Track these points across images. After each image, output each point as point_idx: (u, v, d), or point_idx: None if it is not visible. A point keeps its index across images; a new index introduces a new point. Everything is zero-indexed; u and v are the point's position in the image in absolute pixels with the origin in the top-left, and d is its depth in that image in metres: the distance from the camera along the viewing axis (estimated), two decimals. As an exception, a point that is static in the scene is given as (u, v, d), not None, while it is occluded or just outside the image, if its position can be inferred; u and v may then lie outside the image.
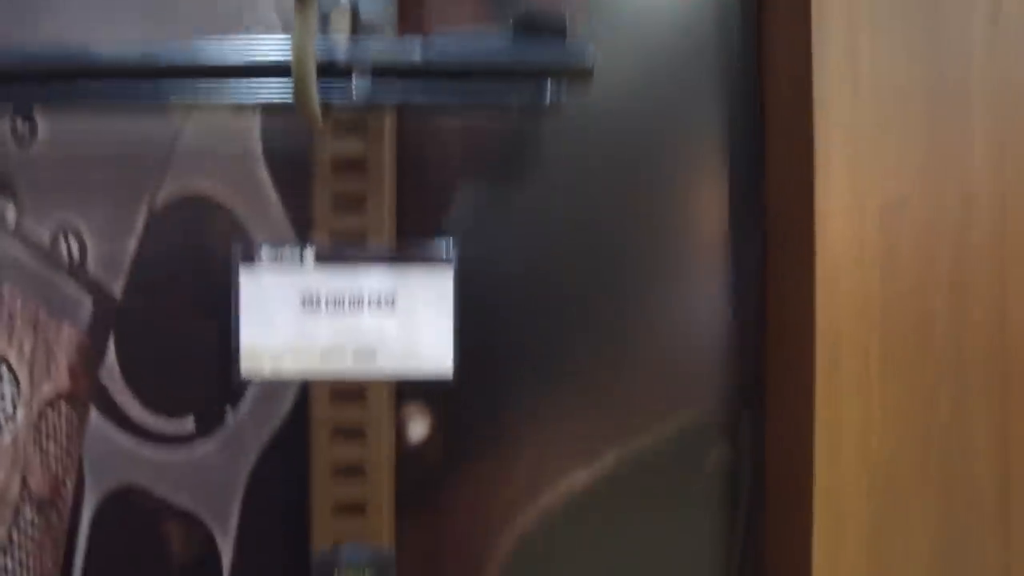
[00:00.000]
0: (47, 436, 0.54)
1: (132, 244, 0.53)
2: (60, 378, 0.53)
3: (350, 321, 0.46)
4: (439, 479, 0.54)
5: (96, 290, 0.53)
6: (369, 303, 0.47)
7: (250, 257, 0.46)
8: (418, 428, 0.54)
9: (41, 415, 0.54)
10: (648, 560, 0.55)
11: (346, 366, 0.45)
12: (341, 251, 0.46)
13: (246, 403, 0.54)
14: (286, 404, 0.53)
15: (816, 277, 0.47)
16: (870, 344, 0.48)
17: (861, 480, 0.48)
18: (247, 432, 0.54)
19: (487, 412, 0.54)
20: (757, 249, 0.54)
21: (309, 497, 0.48)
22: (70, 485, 0.54)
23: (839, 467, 0.49)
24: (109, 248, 0.53)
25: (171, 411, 0.54)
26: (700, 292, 0.55)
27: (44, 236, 0.53)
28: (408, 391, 0.53)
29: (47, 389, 0.54)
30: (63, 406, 0.54)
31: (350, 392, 0.47)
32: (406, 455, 0.53)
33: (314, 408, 0.47)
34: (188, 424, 0.54)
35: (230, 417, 0.53)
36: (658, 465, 0.55)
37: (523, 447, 0.54)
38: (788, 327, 0.52)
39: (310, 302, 0.46)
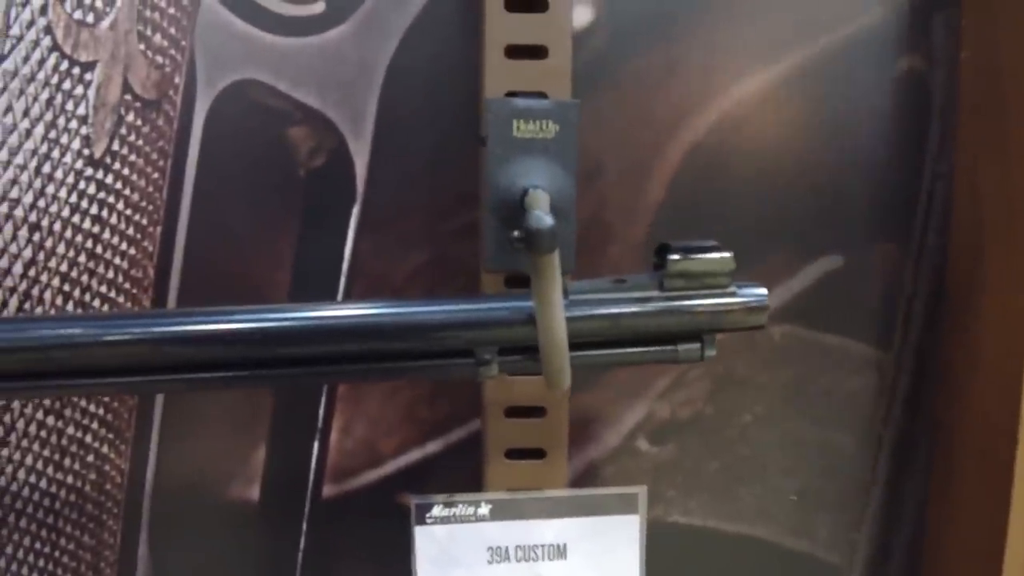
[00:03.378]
0: (151, 25, 0.47)
1: None
2: (168, -47, 0.46)
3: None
4: (603, 70, 0.48)
5: None
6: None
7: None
8: (582, 14, 0.47)
9: None
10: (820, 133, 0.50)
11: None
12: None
13: (385, -17, 0.47)
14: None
15: None
16: None
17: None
18: (388, 15, 0.47)
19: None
20: None
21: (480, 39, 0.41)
22: (179, 83, 0.47)
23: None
24: None
25: (298, -7, 0.47)
26: None
27: None
28: None
29: (152, -33, 0.47)
30: (171, -12, 0.47)
31: None
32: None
33: None
34: (318, 6, 0.47)
35: (367, -1, 0.47)
36: (841, 70, 0.49)
37: (694, 44, 0.48)
38: None
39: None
